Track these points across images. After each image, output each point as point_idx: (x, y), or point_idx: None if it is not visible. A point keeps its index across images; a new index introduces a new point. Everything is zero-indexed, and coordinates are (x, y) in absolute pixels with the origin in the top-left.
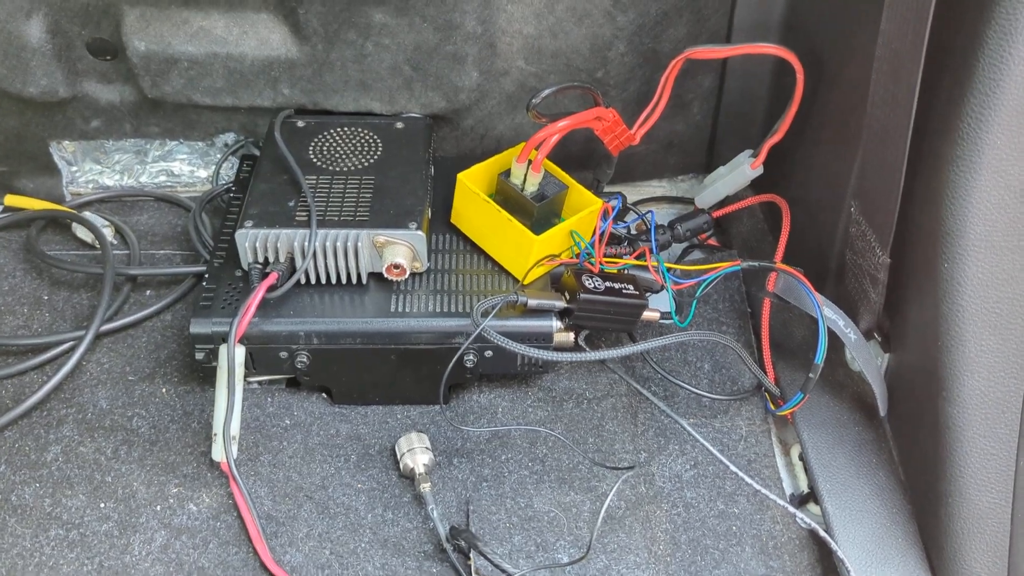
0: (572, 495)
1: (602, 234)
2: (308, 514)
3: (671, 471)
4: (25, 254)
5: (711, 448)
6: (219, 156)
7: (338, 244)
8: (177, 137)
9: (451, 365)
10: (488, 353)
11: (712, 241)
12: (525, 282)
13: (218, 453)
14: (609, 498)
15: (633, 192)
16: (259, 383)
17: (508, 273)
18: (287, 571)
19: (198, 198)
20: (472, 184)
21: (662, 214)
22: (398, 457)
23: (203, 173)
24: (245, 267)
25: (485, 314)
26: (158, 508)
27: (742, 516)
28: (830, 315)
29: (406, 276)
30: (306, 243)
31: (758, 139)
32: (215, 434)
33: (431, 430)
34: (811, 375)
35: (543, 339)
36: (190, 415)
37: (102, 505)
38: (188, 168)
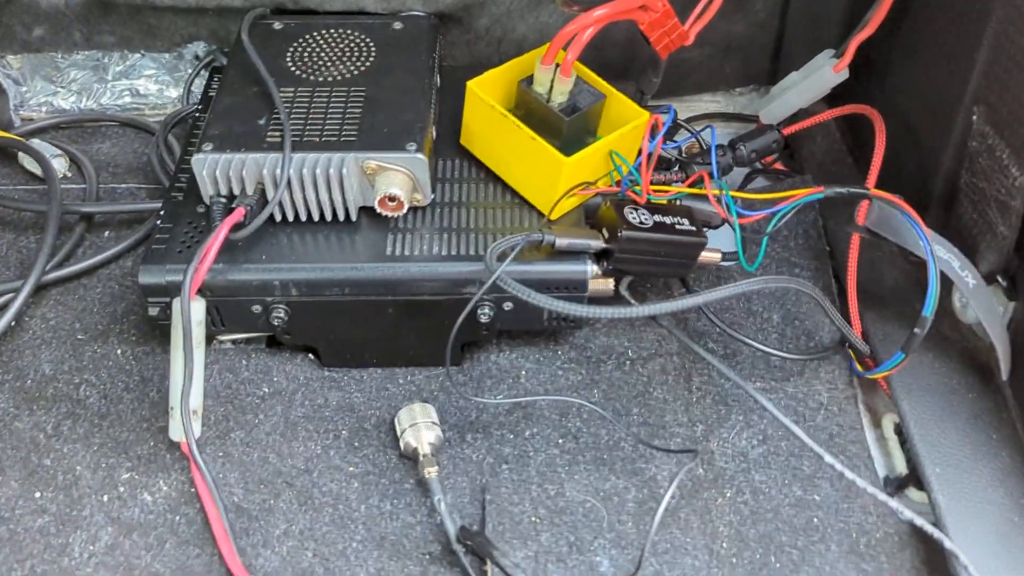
0: (613, 480)
1: (649, 155)
2: (287, 505)
3: (734, 448)
4: None
5: (784, 419)
6: (190, 71)
7: (319, 171)
8: (138, 48)
9: (460, 320)
10: (507, 305)
11: (779, 165)
12: (553, 217)
13: (176, 431)
14: (666, 498)
15: (682, 108)
16: (233, 343)
17: (532, 206)
18: None
19: (162, 120)
20: (486, 95)
21: (719, 134)
22: (398, 434)
23: (174, 92)
24: (207, 201)
25: (502, 257)
26: (105, 499)
27: (825, 505)
28: (942, 254)
29: (405, 211)
30: (278, 170)
31: (837, 40)
32: (171, 408)
33: (439, 399)
34: (916, 330)
35: (575, 287)
36: (148, 382)
37: (37, 495)
38: (155, 86)
